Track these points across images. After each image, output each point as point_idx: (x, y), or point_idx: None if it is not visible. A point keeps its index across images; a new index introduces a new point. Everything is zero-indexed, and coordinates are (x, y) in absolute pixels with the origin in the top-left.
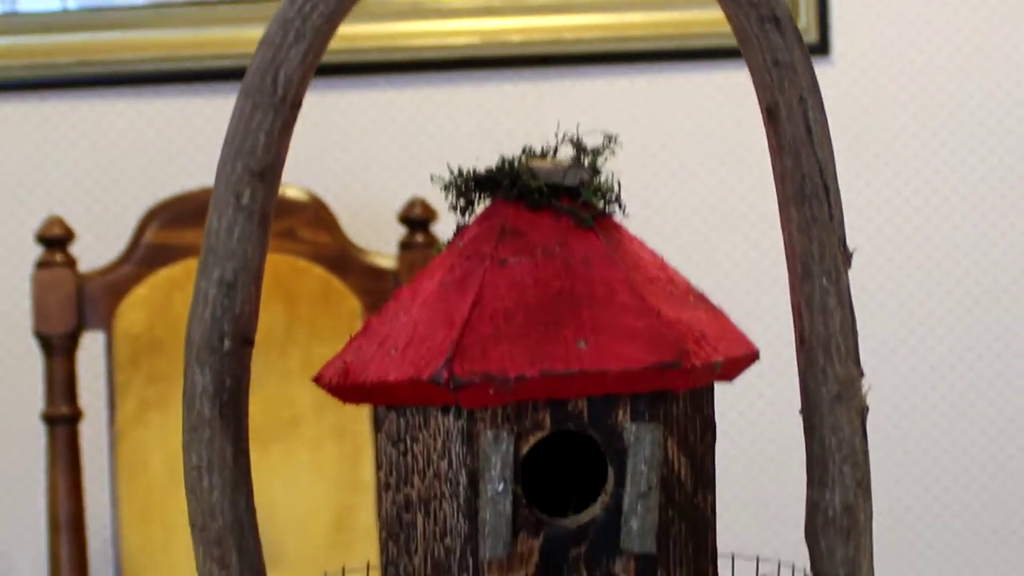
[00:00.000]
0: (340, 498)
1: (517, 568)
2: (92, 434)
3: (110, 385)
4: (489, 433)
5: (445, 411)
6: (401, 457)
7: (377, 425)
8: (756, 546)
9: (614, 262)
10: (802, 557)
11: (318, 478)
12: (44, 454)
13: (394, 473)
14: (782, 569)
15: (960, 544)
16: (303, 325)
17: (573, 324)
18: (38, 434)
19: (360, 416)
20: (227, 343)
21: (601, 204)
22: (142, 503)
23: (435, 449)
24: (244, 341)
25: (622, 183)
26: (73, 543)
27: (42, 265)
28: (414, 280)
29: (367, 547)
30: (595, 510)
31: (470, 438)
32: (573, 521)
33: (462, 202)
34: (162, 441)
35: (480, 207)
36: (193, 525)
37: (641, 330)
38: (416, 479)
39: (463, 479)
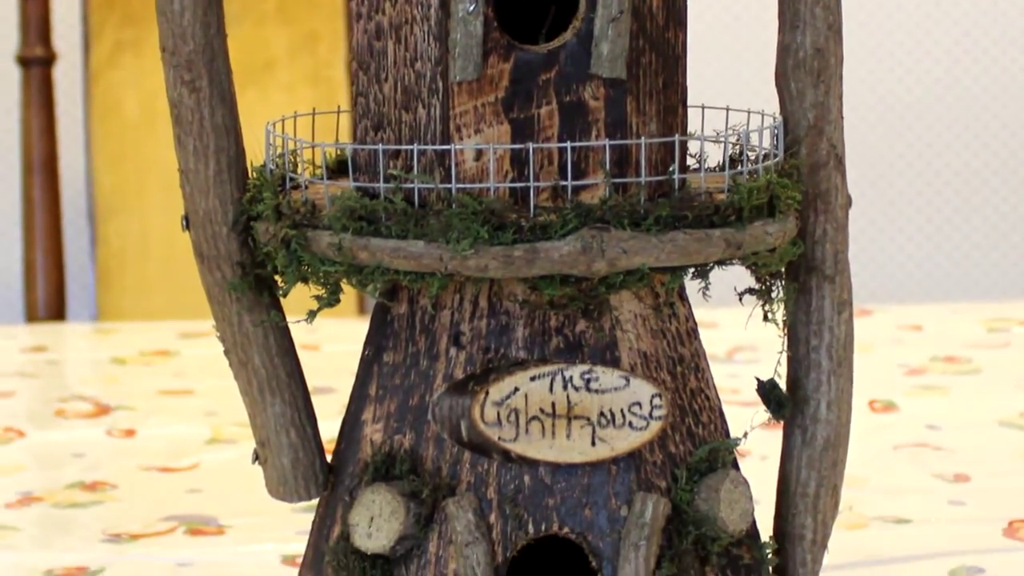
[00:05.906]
0: None
1: (487, 91)
2: (67, 83)
3: (84, 27)
4: None
5: None
6: None
7: None
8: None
9: None
10: (773, 106)
11: None
12: (18, 98)
13: (365, 1)
14: (752, 116)
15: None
16: None
17: None
18: (13, 78)
19: (334, 61)
20: None
21: None
22: (116, 145)
23: None
24: None
25: None
26: (46, 185)
27: None
28: None
29: None
30: (566, 36)
31: None
32: (544, 47)
33: None
34: (136, 82)
35: None
36: (163, 49)
37: None
38: (387, 5)
39: (435, 1)
